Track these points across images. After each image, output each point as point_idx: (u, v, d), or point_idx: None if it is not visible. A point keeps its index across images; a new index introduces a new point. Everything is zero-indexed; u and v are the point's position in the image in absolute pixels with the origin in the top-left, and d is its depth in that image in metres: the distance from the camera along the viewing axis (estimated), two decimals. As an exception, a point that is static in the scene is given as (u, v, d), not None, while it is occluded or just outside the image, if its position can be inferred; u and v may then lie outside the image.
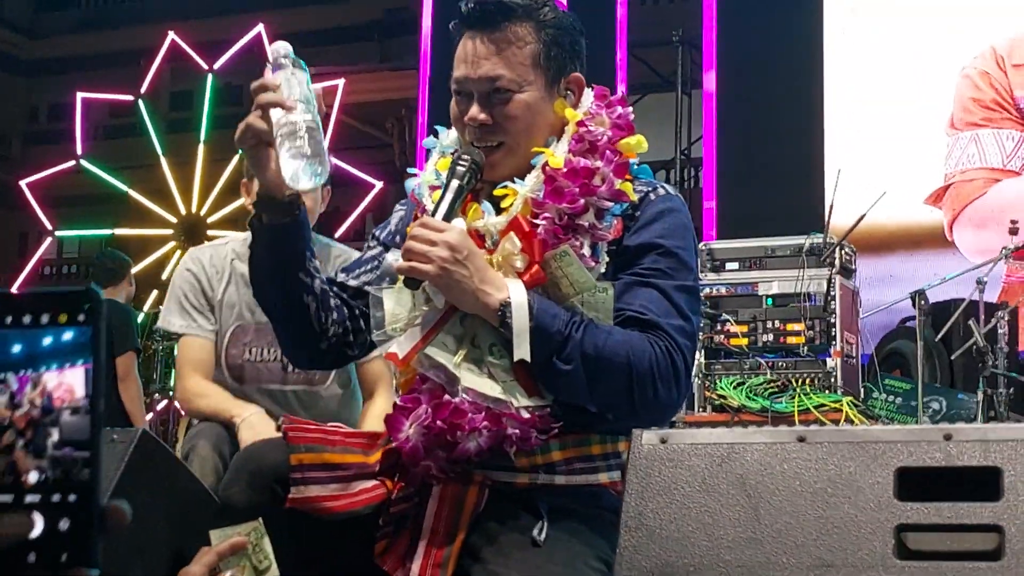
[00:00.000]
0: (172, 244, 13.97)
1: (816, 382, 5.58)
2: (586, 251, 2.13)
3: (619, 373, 2.06)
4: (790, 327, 5.71)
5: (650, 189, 2.22)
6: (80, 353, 1.00)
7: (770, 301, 5.78)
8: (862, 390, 5.95)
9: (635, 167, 2.23)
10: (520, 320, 2.03)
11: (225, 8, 20.75)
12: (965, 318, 6.50)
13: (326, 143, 2.08)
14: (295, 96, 2.08)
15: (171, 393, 9.59)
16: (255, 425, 3.18)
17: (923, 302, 6.12)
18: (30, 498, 1.00)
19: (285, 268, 2.18)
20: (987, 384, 6.11)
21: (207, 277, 3.34)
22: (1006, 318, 6.40)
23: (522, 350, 2.03)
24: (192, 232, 13.92)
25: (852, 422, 5.25)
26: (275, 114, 2.07)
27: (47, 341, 1.00)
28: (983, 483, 1.59)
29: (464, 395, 2.07)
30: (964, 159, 8.92)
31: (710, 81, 9.43)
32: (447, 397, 2.08)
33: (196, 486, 2.36)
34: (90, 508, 1.00)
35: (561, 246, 2.09)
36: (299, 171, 2.03)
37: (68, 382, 1.00)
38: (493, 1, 2.20)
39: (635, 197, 2.18)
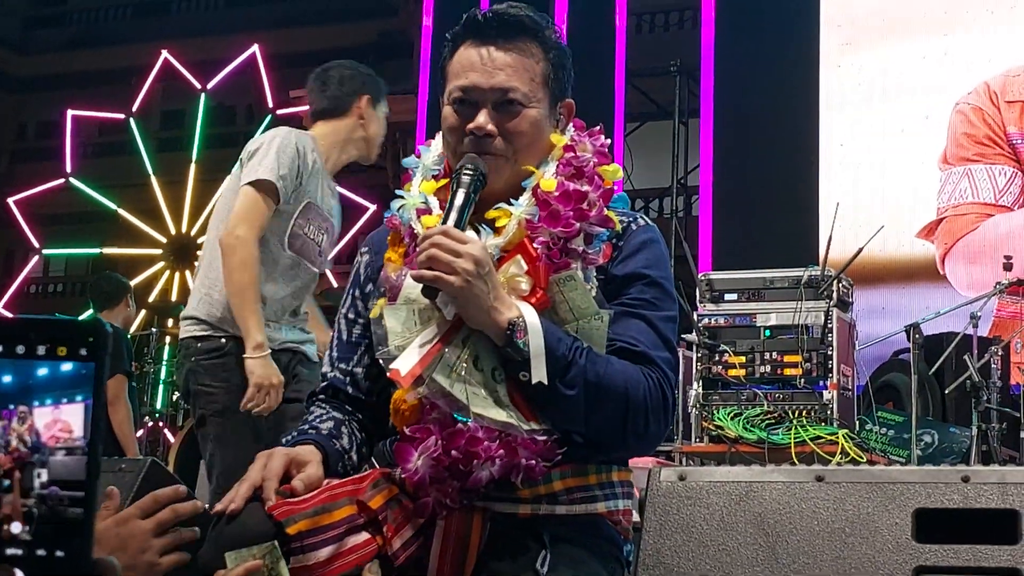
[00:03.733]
0: (161, 264, 13.93)
1: (812, 414, 5.59)
2: (580, 275, 2.10)
3: (616, 403, 2.04)
4: (787, 359, 5.71)
5: (631, 220, 2.21)
6: (79, 388, 0.89)
7: (768, 333, 5.78)
8: (856, 422, 5.95)
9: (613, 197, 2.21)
10: (536, 341, 1.99)
11: (219, 28, 20.80)
12: (958, 352, 6.52)
13: None
14: None
15: (159, 415, 9.52)
16: (260, 368, 3.51)
17: (917, 336, 6.14)
18: (11, 551, 0.89)
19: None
20: (980, 419, 6.13)
21: (306, 160, 3.71)
22: (999, 353, 6.42)
23: (539, 372, 1.99)
24: (182, 252, 13.88)
25: (847, 455, 5.25)
26: None
27: (42, 372, 0.89)
28: (1001, 525, 1.61)
29: (476, 421, 2.00)
30: (956, 194, 8.96)
31: (707, 110, 9.48)
32: (459, 425, 2.00)
33: (205, 515, 2.34)
34: (80, 565, 0.89)
35: (565, 271, 2.07)
36: None
37: (65, 419, 0.89)
38: (513, 15, 2.15)
39: (619, 226, 2.16)
